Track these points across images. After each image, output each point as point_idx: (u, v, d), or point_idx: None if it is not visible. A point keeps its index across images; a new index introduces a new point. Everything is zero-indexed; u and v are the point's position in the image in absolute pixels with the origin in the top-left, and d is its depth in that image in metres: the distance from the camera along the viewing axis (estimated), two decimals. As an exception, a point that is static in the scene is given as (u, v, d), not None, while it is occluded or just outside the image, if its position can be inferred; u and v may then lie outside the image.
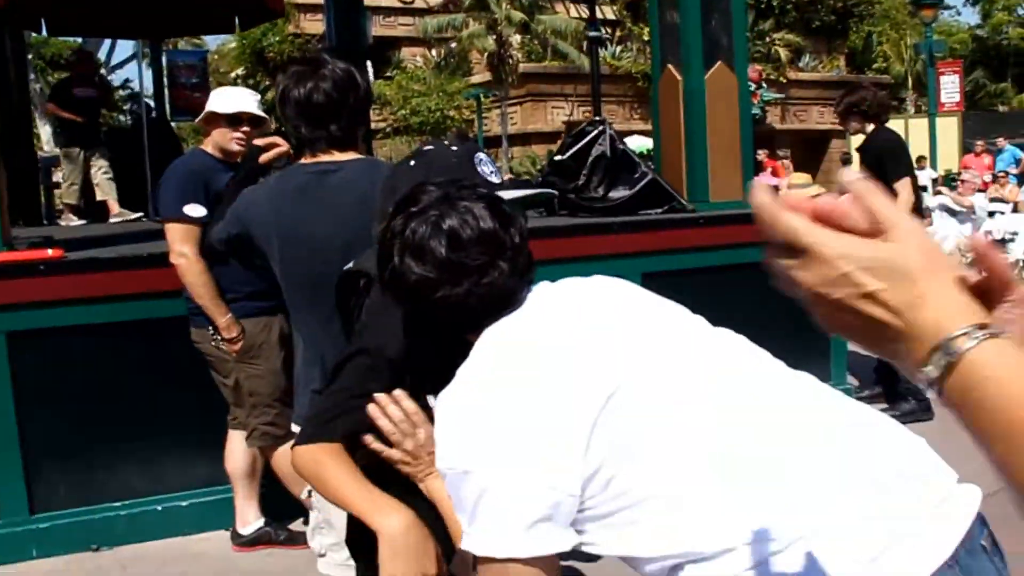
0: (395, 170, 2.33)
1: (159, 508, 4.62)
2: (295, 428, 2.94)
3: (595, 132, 6.62)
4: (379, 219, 2.21)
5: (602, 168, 6.58)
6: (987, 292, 0.83)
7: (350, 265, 2.69)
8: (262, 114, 4.30)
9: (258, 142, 3.34)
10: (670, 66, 6.62)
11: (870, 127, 6.49)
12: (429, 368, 1.93)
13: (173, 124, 12.38)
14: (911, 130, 18.92)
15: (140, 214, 9.27)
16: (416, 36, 30.76)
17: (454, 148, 2.14)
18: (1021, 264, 11.33)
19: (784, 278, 0.85)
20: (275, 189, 2.92)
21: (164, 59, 12.69)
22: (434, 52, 32.11)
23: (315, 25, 30.29)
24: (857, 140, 17.63)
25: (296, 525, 4.61)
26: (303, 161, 2.94)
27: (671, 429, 1.50)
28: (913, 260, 0.80)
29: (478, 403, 1.54)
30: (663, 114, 6.77)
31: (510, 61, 27.29)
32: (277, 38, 30.22)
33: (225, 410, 4.41)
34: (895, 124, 27.86)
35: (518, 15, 27.72)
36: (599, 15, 32.73)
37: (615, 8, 32.57)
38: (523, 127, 27.59)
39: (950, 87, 19.93)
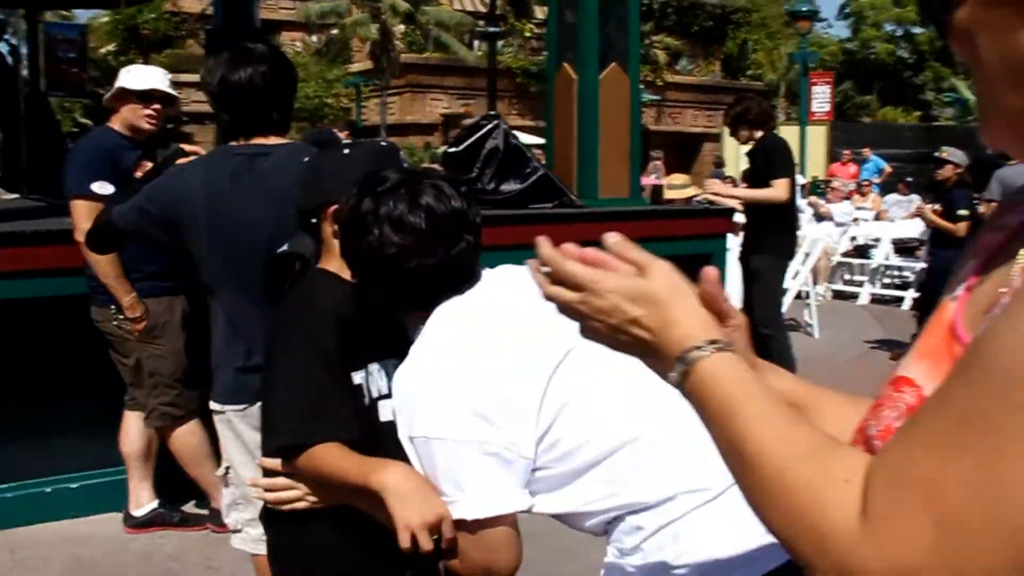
0: (323, 156, 2.42)
1: (48, 490, 4.55)
2: (214, 406, 2.98)
3: (489, 126, 6.72)
4: (306, 200, 2.30)
5: (495, 162, 6.69)
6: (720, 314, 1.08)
7: (284, 247, 2.76)
8: (174, 92, 4.28)
9: (185, 147, 3.36)
10: (566, 64, 6.78)
11: (758, 134, 6.85)
12: (372, 343, 2.03)
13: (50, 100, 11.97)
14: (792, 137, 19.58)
15: (16, 195, 8.96)
16: (297, 21, 30.35)
17: (383, 144, 2.28)
18: (882, 269, 11.92)
19: (569, 311, 1.06)
20: (207, 169, 2.95)
21: (41, 32, 12.25)
22: (315, 38, 31.76)
23: (192, 3, 29.65)
24: (731, 144, 18.17)
25: (189, 507, 4.62)
26: (234, 144, 2.97)
27: (614, 388, 1.63)
28: (664, 291, 1.02)
29: (444, 372, 1.65)
30: (557, 111, 6.92)
31: (392, 51, 27.18)
32: (153, 15, 29.43)
33: (121, 391, 4.38)
34: None
35: (404, 5, 27.64)
36: (482, 8, 33.02)
37: (499, 3, 32.78)
38: (401, 118, 27.54)
39: (821, 97, 20.70)
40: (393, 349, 2.00)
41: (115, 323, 4.16)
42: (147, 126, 4.19)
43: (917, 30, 46.98)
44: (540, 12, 32.36)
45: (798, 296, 9.84)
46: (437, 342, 1.72)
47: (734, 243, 7.41)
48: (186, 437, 4.26)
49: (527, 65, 26.91)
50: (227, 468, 3.01)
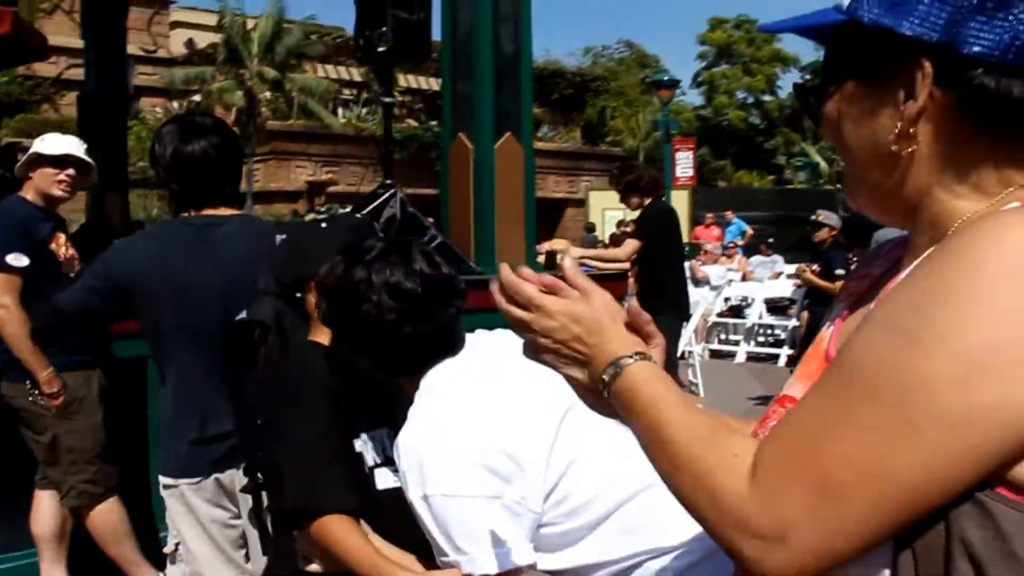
0: (301, 231, 2.47)
1: (-49, 576, 4.35)
2: (166, 480, 2.94)
3: (386, 195, 6.84)
4: (278, 271, 2.35)
5: (393, 230, 6.78)
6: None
7: (243, 315, 2.78)
8: (89, 160, 4.23)
9: None
10: (461, 135, 6.92)
11: (647, 200, 7.15)
12: (364, 413, 2.08)
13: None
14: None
15: None
16: (157, 86, 29.85)
17: (358, 217, 2.35)
18: (756, 328, 12.38)
19: (520, 326, 1.23)
20: (159, 240, 2.95)
21: None
22: (176, 104, 31.30)
23: (47, 68, 28.86)
24: (596, 209, 18.71)
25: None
26: (185, 215, 2.98)
27: (617, 440, 1.72)
28: (602, 315, 1.19)
29: (451, 431, 1.71)
30: (453, 180, 7.04)
31: (258, 118, 27.01)
32: (5, 79, 28.53)
33: (30, 469, 4.23)
34: None
35: (271, 72, 27.53)
36: (346, 76, 33.15)
37: (362, 71, 32.98)
38: (266, 185, 27.26)
39: (684, 163, 21.43)
40: (382, 418, 2.06)
41: (30, 399, 4.04)
42: (60, 192, 4.12)
43: (767, 98, 49.30)
44: (403, 80, 32.75)
45: (681, 356, 10.14)
46: (439, 403, 1.78)
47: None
48: (106, 515, 4.15)
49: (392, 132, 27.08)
50: (176, 544, 2.97)
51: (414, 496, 1.71)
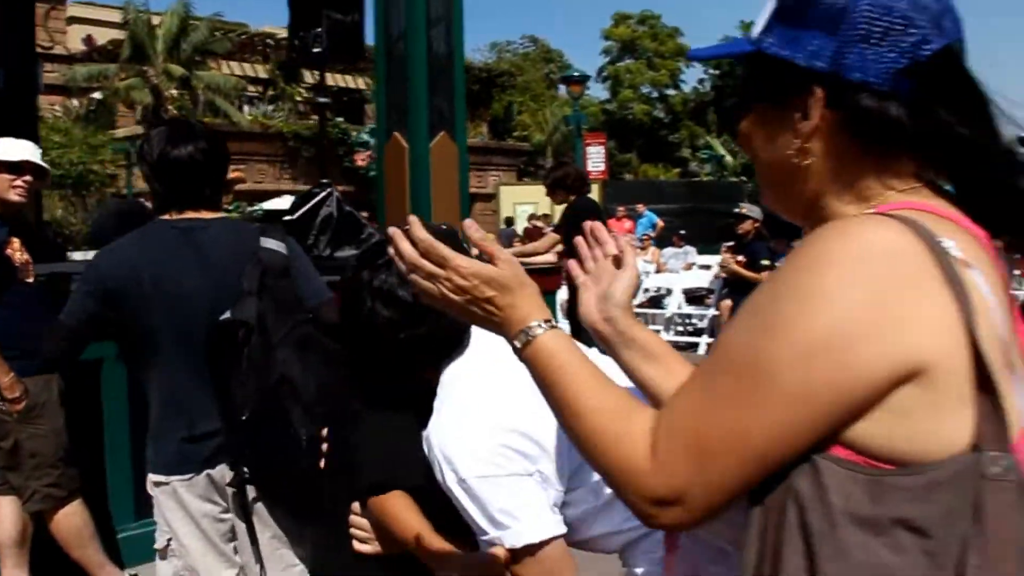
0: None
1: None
2: (157, 478, 3.01)
3: (323, 194, 6.90)
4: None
5: (330, 229, 6.86)
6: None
7: (227, 315, 2.86)
8: (45, 165, 4.23)
9: None
10: (396, 134, 7.01)
11: (572, 197, 7.36)
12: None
13: None
14: (558, 196, 20.36)
15: None
16: (56, 83, 29.09)
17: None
18: (675, 318, 12.68)
19: (428, 281, 1.32)
20: (142, 243, 2.99)
21: None
22: (75, 102, 30.56)
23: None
24: (506, 203, 19.03)
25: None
26: (167, 217, 3.03)
27: None
28: (511, 279, 1.31)
29: (475, 420, 1.84)
30: (388, 179, 7.13)
31: (165, 116, 26.53)
32: None
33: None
34: (539, 189, 29.08)
35: (179, 69, 27.09)
36: (251, 73, 32.73)
37: (267, 67, 32.61)
38: (174, 183, 26.74)
39: (596, 157, 21.69)
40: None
41: (-8, 405, 4.03)
42: (16, 198, 4.11)
43: (671, 92, 50.11)
44: (310, 77, 32.47)
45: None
46: (460, 395, 1.90)
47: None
48: (70, 518, 4.16)
49: (299, 129, 26.80)
50: (168, 540, 3.03)
51: (451, 483, 1.82)
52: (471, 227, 1.36)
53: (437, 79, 6.87)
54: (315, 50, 6.65)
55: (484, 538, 1.82)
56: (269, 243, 3.03)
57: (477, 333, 2.08)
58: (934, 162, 1.18)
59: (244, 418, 2.85)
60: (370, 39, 7.23)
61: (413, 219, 1.36)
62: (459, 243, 2.37)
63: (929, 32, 1.14)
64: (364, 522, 2.07)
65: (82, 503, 4.19)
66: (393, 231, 1.36)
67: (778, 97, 1.21)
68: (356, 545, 2.07)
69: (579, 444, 1.19)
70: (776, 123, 1.21)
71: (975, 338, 1.02)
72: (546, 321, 1.28)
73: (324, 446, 2.25)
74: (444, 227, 2.43)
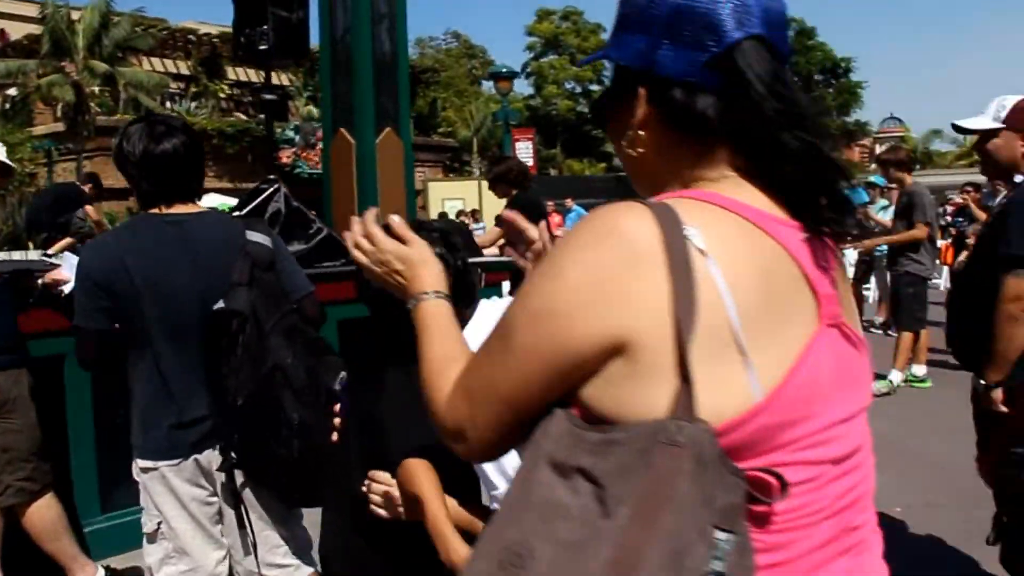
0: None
1: None
2: (145, 464, 3.09)
3: (270, 190, 6.94)
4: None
5: (278, 224, 6.89)
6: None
7: (220, 304, 2.96)
8: (11, 164, 4.26)
9: None
10: (343, 130, 7.11)
11: (514, 191, 7.51)
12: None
13: None
14: (483, 192, 20.49)
15: None
16: (-32, 80, 28.40)
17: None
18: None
19: (357, 260, 1.65)
20: (131, 237, 3.07)
21: None
22: (-10, 99, 29.84)
23: None
24: (434, 199, 19.13)
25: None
26: (155, 212, 3.12)
27: None
28: (417, 258, 1.61)
29: None
30: (335, 174, 7.23)
31: (87, 113, 26.05)
32: None
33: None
34: (467, 185, 29.03)
35: (102, 66, 26.60)
36: (173, 70, 32.28)
37: (189, 63, 32.20)
38: (96, 182, 26.25)
39: (525, 152, 21.85)
40: None
41: (-36, 401, 4.06)
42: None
43: (595, 87, 50.53)
44: (232, 73, 32.14)
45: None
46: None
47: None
48: (43, 512, 4.21)
49: (223, 127, 26.52)
50: (158, 523, 3.12)
51: None
52: (395, 220, 1.67)
53: (382, 75, 6.99)
54: (261, 47, 6.70)
55: (493, 492, 1.97)
56: (255, 236, 3.13)
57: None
58: (745, 153, 1.27)
59: (239, 404, 2.95)
60: (315, 37, 7.32)
61: (372, 209, 1.68)
62: (469, 236, 2.53)
63: (729, 27, 1.23)
64: (382, 488, 2.21)
65: (54, 497, 4.24)
66: (353, 219, 1.67)
67: (617, 96, 1.34)
68: (375, 510, 2.21)
69: (423, 388, 1.39)
70: (620, 119, 1.35)
71: (678, 320, 1.12)
72: (436, 292, 1.55)
73: (336, 420, 2.37)
74: (443, 224, 2.60)
